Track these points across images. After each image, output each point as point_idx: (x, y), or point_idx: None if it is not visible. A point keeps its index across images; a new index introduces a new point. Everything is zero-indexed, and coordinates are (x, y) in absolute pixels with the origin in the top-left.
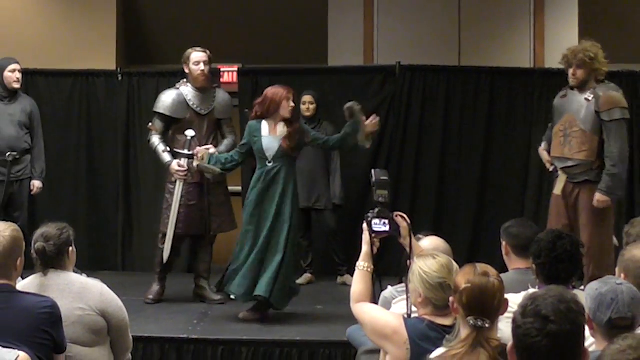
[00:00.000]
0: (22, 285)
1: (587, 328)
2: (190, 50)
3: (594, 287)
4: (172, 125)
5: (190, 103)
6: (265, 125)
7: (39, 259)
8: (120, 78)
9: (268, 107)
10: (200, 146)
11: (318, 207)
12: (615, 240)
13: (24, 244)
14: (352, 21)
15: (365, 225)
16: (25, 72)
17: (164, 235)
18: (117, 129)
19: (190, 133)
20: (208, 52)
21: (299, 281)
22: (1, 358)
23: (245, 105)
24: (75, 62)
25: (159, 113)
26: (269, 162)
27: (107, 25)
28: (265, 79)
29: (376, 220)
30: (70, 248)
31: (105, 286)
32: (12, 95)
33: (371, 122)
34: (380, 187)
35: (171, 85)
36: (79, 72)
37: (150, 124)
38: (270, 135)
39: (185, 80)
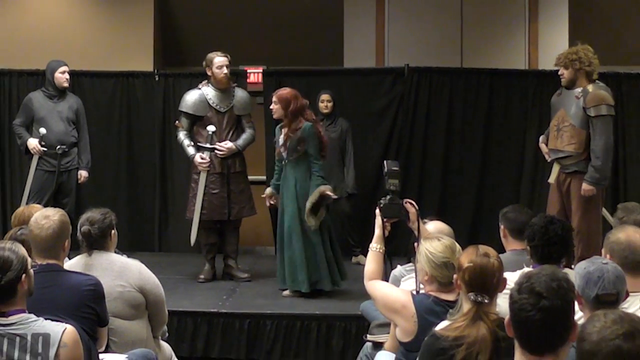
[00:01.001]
0: (69, 264)
1: (576, 303)
2: (212, 55)
3: (582, 266)
4: (196, 122)
5: (211, 102)
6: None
7: (85, 240)
8: (157, 78)
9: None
10: (220, 140)
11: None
12: (608, 216)
13: (71, 227)
14: (365, 27)
15: (377, 211)
16: (72, 73)
17: (192, 220)
18: (154, 124)
19: (211, 128)
20: (228, 56)
21: None
22: (50, 330)
23: (269, 103)
24: (116, 64)
25: (184, 112)
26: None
27: (145, 30)
28: (287, 80)
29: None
30: (112, 231)
31: (143, 265)
32: (61, 94)
33: (321, 214)
34: (392, 177)
35: None
36: (120, 73)
37: (177, 122)
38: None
39: (206, 81)
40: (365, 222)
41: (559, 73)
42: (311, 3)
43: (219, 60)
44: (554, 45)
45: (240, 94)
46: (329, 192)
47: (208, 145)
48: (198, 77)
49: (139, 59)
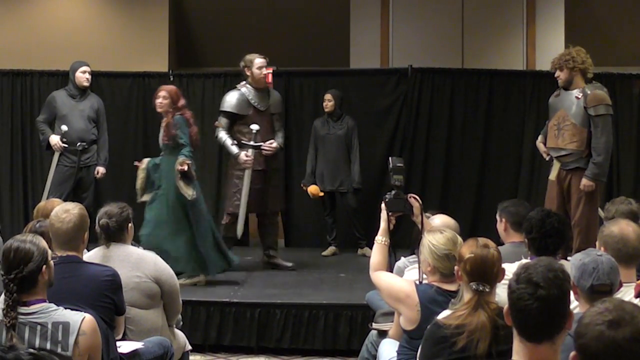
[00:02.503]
0: (87, 256)
1: (572, 293)
2: (252, 56)
3: (578, 257)
4: (236, 121)
5: (252, 101)
6: None
7: (103, 233)
8: (171, 79)
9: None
10: (263, 139)
11: (341, 190)
12: (600, 211)
13: (89, 220)
14: (370, 30)
15: (383, 205)
16: (91, 74)
17: (229, 214)
18: None
19: (255, 127)
20: (267, 58)
21: (324, 253)
22: (70, 319)
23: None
24: (133, 65)
25: (225, 111)
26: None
27: (160, 33)
28: (296, 80)
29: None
30: (129, 224)
31: (158, 257)
32: (82, 93)
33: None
34: (396, 173)
35: (216, 84)
36: (136, 73)
37: (216, 122)
38: None
39: (244, 82)
40: (371, 216)
41: (556, 75)
42: (319, 7)
43: (259, 61)
44: (550, 47)
45: (275, 94)
46: (187, 162)
47: (252, 143)
48: (210, 78)
49: (154, 60)
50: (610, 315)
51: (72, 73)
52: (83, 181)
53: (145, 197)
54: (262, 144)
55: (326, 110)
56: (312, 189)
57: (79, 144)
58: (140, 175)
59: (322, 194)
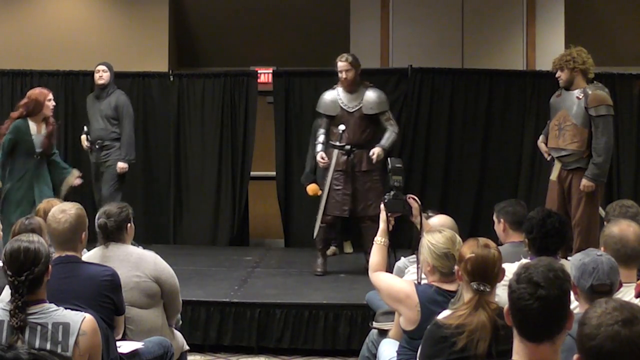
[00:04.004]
0: (86, 256)
1: (572, 293)
2: (337, 59)
3: (578, 257)
4: (331, 122)
5: (341, 102)
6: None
7: (101, 232)
8: (171, 79)
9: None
10: (350, 139)
11: None
12: (601, 211)
13: (87, 220)
14: (371, 30)
15: (382, 206)
16: (90, 74)
17: (329, 215)
18: (169, 123)
19: (341, 127)
20: (349, 59)
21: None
22: (70, 319)
23: (278, 101)
24: (133, 65)
25: (319, 112)
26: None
27: (160, 33)
28: (296, 79)
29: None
30: (129, 224)
31: (158, 257)
32: (102, 92)
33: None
34: (396, 173)
35: (216, 84)
36: (137, 73)
37: (315, 121)
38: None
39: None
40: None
41: (557, 76)
42: (319, 7)
43: (339, 65)
44: (550, 47)
45: (370, 94)
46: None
47: (337, 143)
48: (210, 78)
49: (154, 60)
50: (622, 315)
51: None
52: (102, 177)
53: None
54: (345, 144)
55: None
56: (312, 188)
57: (97, 142)
58: None
59: (320, 192)
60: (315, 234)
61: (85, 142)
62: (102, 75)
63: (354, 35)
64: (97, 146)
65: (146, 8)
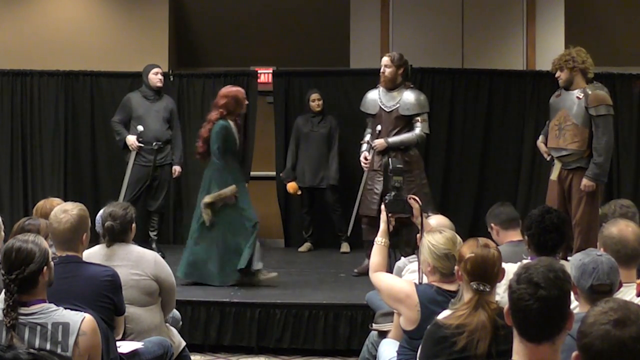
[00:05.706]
0: (87, 254)
1: (572, 293)
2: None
3: (578, 257)
4: (374, 120)
5: (379, 101)
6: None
7: (107, 235)
8: (171, 79)
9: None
10: (381, 139)
11: (321, 186)
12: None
13: (89, 220)
14: (371, 30)
15: (383, 207)
16: (90, 74)
17: (365, 216)
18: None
19: (378, 128)
20: (392, 56)
21: (301, 249)
22: (69, 319)
23: (278, 101)
24: (133, 65)
25: (362, 110)
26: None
27: (160, 33)
28: (296, 80)
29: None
30: (133, 225)
31: (158, 255)
32: (156, 94)
33: None
34: (396, 174)
35: (216, 84)
36: (137, 73)
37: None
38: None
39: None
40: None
41: (556, 76)
42: (319, 7)
43: (382, 60)
44: (550, 47)
45: (408, 94)
46: None
47: (372, 143)
48: (210, 78)
49: (154, 60)
50: (616, 314)
51: (145, 75)
52: (158, 180)
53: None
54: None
55: (317, 109)
56: (292, 186)
57: (154, 143)
58: None
59: (300, 192)
60: (348, 232)
61: (136, 143)
62: (161, 78)
63: (354, 35)
64: (155, 147)
65: (146, 8)
